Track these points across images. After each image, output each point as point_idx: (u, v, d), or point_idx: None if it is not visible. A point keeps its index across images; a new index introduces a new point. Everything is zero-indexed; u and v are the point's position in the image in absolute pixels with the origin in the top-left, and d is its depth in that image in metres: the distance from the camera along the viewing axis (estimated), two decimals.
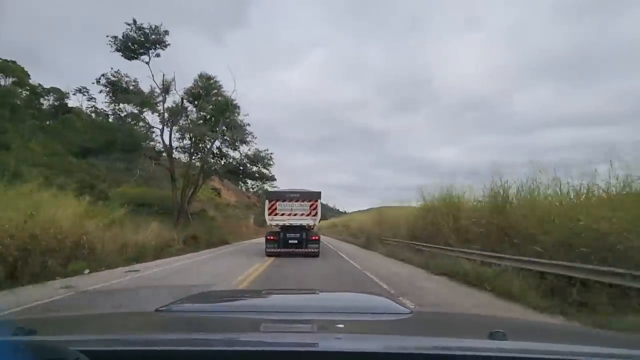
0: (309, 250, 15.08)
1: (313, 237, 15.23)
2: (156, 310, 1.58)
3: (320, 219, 17.22)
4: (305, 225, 15.29)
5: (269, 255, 15.02)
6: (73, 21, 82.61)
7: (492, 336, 1.08)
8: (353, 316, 1.61)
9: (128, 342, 1.13)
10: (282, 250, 15.02)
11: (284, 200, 15.26)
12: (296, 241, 15.15)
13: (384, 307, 1.78)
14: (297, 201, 15.26)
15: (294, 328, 1.42)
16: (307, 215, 15.21)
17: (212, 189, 45.91)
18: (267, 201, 15.42)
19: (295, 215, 15.18)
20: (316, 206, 15.30)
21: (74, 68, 78.31)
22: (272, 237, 15.17)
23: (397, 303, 1.81)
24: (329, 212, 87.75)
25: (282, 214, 15.18)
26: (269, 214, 15.16)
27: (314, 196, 15.50)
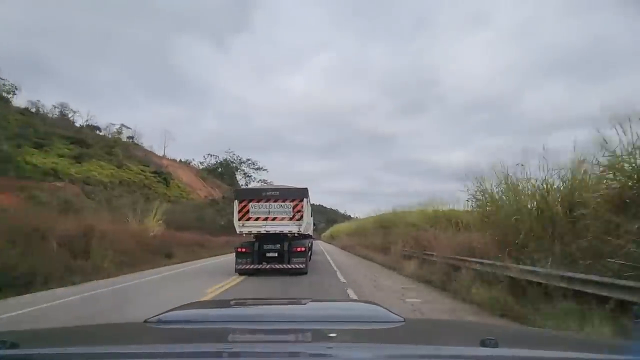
0: (293, 266, 11.41)
1: (298, 249, 11.56)
2: (145, 321, 1.53)
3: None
4: (287, 233, 11.64)
5: (241, 273, 11.44)
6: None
7: (483, 343, 1.07)
8: (345, 325, 1.57)
9: (116, 354, 1.10)
10: (257, 266, 11.42)
11: (258, 200, 11.64)
12: (276, 254, 11.54)
13: (376, 315, 1.71)
14: (275, 201, 11.62)
15: (286, 338, 1.40)
16: (290, 219, 11.54)
17: (154, 173, 33.90)
18: (236, 202, 11.81)
19: (274, 219, 11.55)
20: (301, 207, 11.60)
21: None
22: (243, 249, 11.56)
23: (389, 311, 1.70)
24: (339, 217, 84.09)
25: (257, 219, 11.56)
26: (240, 219, 11.56)
27: (299, 194, 11.82)
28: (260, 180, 47.54)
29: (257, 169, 46.28)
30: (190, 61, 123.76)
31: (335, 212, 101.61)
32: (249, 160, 48.32)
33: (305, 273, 11.59)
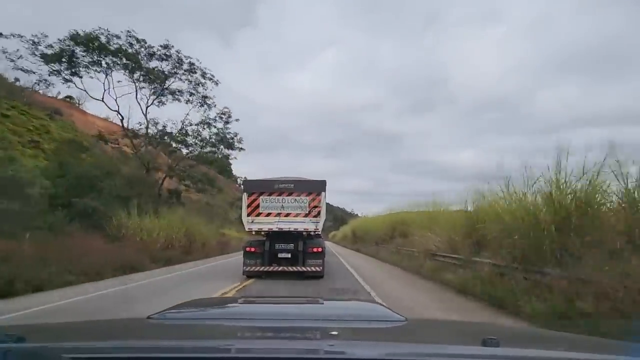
0: (308, 268, 10.06)
1: (314, 249, 10.22)
2: (148, 317, 1.52)
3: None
4: (302, 231, 10.28)
5: (249, 275, 10.13)
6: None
7: (485, 343, 1.06)
8: (347, 324, 1.55)
9: (119, 349, 1.10)
10: (268, 268, 10.11)
11: (270, 194, 10.31)
12: (289, 255, 10.21)
13: (378, 314, 1.72)
14: (290, 194, 10.27)
15: (287, 335, 1.38)
16: (306, 215, 10.19)
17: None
18: (244, 195, 10.48)
19: (287, 215, 10.22)
20: (318, 202, 10.24)
21: None
22: (253, 249, 10.26)
23: (391, 311, 1.72)
24: (347, 216, 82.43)
25: (268, 214, 10.23)
26: (249, 214, 10.24)
27: (316, 187, 10.46)
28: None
29: (203, 76, 20.71)
30: (195, 57, 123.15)
31: (343, 210, 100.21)
32: (181, 56, 20.06)
33: (322, 277, 10.26)
